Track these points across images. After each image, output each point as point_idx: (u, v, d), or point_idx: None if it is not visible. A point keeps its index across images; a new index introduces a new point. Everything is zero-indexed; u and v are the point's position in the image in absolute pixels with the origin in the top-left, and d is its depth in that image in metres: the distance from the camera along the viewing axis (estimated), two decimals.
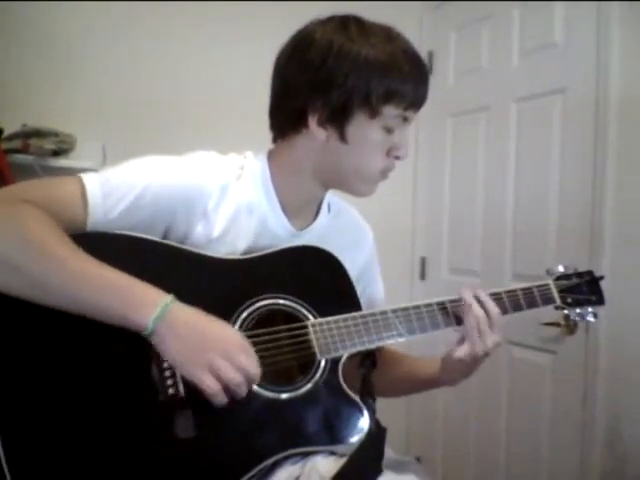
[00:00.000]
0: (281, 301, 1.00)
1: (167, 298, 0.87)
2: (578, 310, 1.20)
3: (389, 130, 1.01)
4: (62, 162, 1.93)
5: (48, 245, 0.86)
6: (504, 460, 2.28)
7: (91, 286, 0.85)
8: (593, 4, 1.95)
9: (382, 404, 1.07)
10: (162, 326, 0.85)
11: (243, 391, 0.88)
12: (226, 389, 0.87)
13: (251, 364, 0.88)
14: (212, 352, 0.86)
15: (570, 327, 1.92)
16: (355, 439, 0.97)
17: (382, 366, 1.15)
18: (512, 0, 2.27)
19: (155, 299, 0.87)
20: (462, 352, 1.05)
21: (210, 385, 0.86)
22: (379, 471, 0.94)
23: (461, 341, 1.07)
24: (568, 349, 2.00)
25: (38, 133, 1.90)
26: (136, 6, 2.13)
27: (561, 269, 1.21)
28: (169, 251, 0.97)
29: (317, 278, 1.06)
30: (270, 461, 0.92)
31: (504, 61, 2.32)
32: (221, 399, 0.87)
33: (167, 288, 0.89)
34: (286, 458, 0.95)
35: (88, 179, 0.93)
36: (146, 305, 0.86)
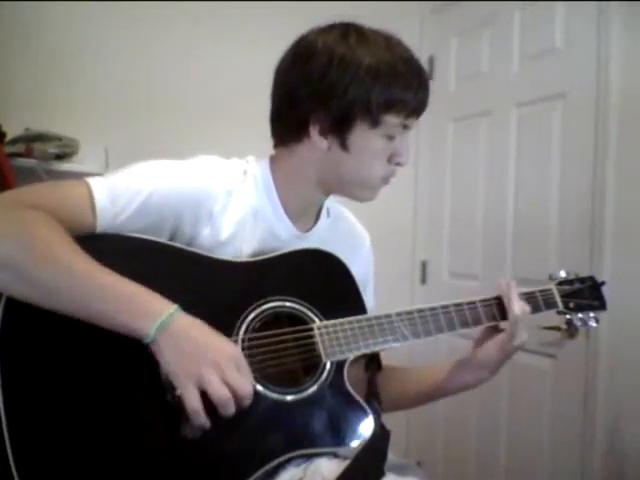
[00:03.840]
0: (287, 304, 1.00)
1: (171, 308, 0.87)
2: (580, 315, 1.21)
3: (390, 138, 1.03)
4: (65, 166, 1.94)
5: (55, 251, 0.86)
6: (505, 464, 2.28)
7: (96, 293, 0.86)
8: (593, 9, 1.96)
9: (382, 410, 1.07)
10: (161, 336, 0.85)
11: (229, 410, 0.86)
12: (214, 408, 0.85)
13: (242, 382, 0.86)
14: (203, 365, 0.85)
15: (571, 331, 1.92)
16: (359, 441, 0.97)
17: (395, 381, 1.17)
18: (514, 0, 2.28)
19: (158, 309, 0.86)
20: (500, 340, 1.08)
21: (192, 401, 0.84)
22: (382, 474, 0.95)
23: (492, 334, 1.11)
24: (568, 353, 2.00)
25: (41, 137, 1.91)
26: (138, 8, 2.14)
27: (563, 274, 1.23)
28: (177, 253, 0.97)
29: (323, 281, 1.07)
30: (274, 463, 0.92)
31: (505, 66, 2.33)
32: (200, 420, 0.85)
33: (174, 290, 0.89)
34: (289, 460, 0.95)
35: (95, 184, 0.94)
36: (149, 315, 0.86)
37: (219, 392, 0.85)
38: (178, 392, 0.85)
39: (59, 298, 0.86)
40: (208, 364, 0.85)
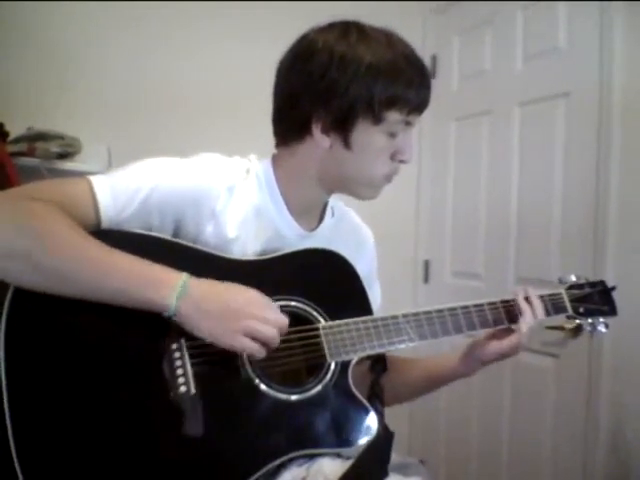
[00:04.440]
0: (293, 303, 1.00)
1: (183, 276, 0.89)
2: (590, 320, 1.20)
3: (392, 135, 1.02)
4: (68, 165, 1.93)
5: (65, 236, 0.87)
6: (507, 464, 2.28)
7: (110, 272, 0.87)
8: (596, 8, 1.96)
9: (385, 407, 1.07)
10: (185, 305, 0.87)
11: (278, 341, 0.92)
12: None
13: (278, 316, 0.92)
14: (242, 319, 0.89)
15: (574, 331, 1.92)
16: (362, 442, 0.97)
17: (395, 372, 1.16)
18: (516, 0, 2.27)
19: (172, 279, 0.88)
20: (508, 344, 1.10)
21: (252, 348, 0.90)
22: (385, 474, 0.95)
23: (504, 334, 1.12)
24: (571, 352, 2.00)
25: (43, 136, 1.91)
26: (139, 7, 2.14)
27: (573, 278, 1.22)
28: (182, 250, 0.97)
29: (329, 281, 1.07)
30: (277, 462, 0.93)
31: (507, 65, 2.32)
32: (263, 354, 0.92)
33: None
34: (292, 460, 0.95)
35: (97, 182, 0.94)
36: (165, 287, 0.87)
37: (268, 334, 0.90)
38: (236, 349, 0.90)
39: (76, 283, 0.87)
40: (244, 316, 0.89)
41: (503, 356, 1.12)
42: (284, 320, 0.93)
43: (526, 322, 1.10)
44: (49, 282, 0.86)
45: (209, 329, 0.89)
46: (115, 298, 0.87)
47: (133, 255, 0.89)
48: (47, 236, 0.86)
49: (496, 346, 1.11)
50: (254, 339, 0.90)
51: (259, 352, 0.91)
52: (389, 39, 1.01)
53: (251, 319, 0.89)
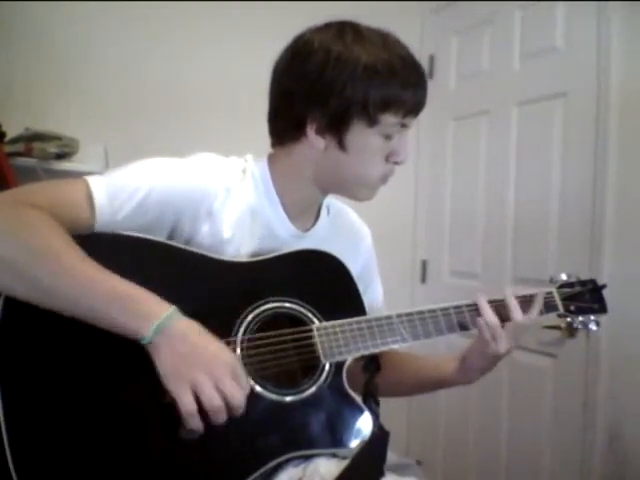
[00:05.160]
0: (287, 304, 1.00)
1: (168, 310, 0.86)
2: (581, 318, 1.21)
3: (388, 137, 1.02)
4: (65, 165, 1.93)
5: (54, 250, 0.86)
6: (505, 464, 2.28)
7: (94, 293, 0.85)
8: (593, 8, 1.96)
9: (383, 407, 1.07)
10: (159, 338, 0.84)
11: (221, 418, 0.85)
12: (205, 414, 0.84)
13: (235, 391, 0.85)
14: (198, 370, 0.84)
15: (571, 330, 1.93)
16: (358, 442, 0.97)
17: (392, 367, 1.16)
18: (514, 0, 2.28)
19: (156, 311, 0.85)
20: (476, 351, 1.10)
21: (186, 404, 0.83)
22: (381, 474, 0.95)
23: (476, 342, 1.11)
24: (568, 352, 2.01)
25: (41, 137, 1.90)
26: (137, 7, 2.14)
27: (564, 277, 1.22)
28: (175, 252, 0.97)
29: (323, 282, 1.07)
30: (273, 464, 0.92)
31: (505, 65, 2.33)
32: (195, 422, 0.84)
33: (172, 290, 0.89)
34: (288, 460, 0.95)
35: (93, 182, 0.94)
36: (147, 316, 0.85)
37: (211, 400, 0.83)
38: (172, 395, 0.85)
39: (56, 297, 0.85)
40: (203, 369, 0.84)
41: (478, 362, 1.12)
42: (238, 400, 0.85)
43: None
44: (36, 294, 0.85)
45: (165, 366, 0.84)
46: (96, 320, 0.85)
47: (125, 278, 0.87)
48: (37, 248, 0.86)
49: (471, 352, 1.12)
50: (197, 400, 0.83)
51: (191, 417, 0.83)
52: (385, 40, 1.01)
53: (205, 378, 0.83)
